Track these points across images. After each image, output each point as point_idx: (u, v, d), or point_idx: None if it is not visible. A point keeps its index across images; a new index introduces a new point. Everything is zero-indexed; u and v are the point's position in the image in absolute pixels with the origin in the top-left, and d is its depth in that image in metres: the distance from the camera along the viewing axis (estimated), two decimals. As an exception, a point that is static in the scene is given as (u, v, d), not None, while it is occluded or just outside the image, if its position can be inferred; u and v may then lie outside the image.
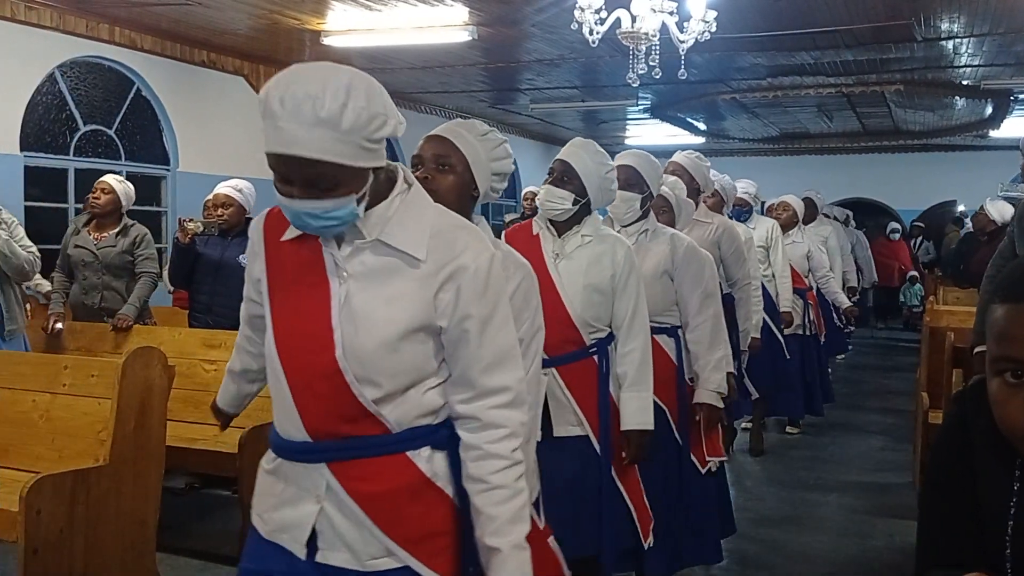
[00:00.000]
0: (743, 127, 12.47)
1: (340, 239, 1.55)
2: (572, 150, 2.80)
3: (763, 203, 7.12)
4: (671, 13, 4.86)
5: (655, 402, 3.06)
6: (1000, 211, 7.16)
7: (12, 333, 4.56)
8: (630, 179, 3.17)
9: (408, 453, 1.58)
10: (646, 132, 12.57)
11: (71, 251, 4.95)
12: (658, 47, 4.95)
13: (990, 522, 1.10)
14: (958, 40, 7.12)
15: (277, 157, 1.44)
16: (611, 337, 2.81)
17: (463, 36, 6.70)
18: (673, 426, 3.24)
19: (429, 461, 1.59)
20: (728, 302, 4.12)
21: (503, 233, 2.94)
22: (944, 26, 6.70)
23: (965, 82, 8.78)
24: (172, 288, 5.65)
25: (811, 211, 7.16)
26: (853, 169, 14.48)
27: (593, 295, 2.74)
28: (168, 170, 7.78)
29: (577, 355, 2.77)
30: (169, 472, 3.65)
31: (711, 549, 3.48)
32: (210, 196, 4.99)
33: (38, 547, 2.94)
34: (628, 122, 12.23)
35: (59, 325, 4.86)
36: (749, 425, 5.97)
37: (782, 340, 5.67)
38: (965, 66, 8.08)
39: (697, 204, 4.10)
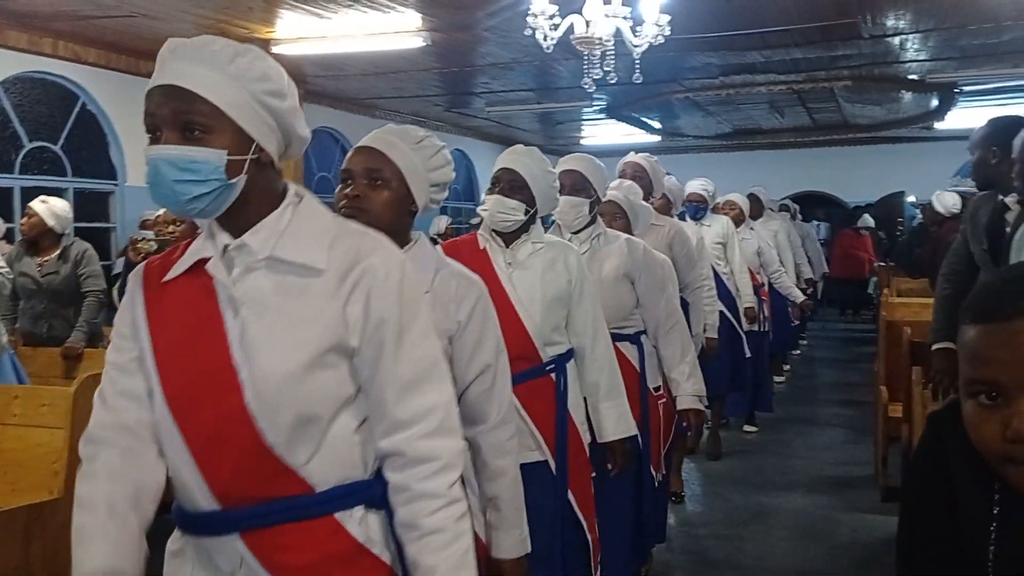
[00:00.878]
0: (697, 125, 12.57)
1: (230, 265, 1.34)
2: (516, 158, 2.63)
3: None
4: (624, 18, 4.86)
5: None
6: (944, 204, 7.30)
7: None
8: (577, 184, 3.06)
9: (337, 515, 1.34)
10: (601, 132, 12.62)
11: (16, 277, 4.81)
12: (612, 51, 4.95)
13: (971, 546, 1.09)
14: (903, 36, 7.24)
15: (152, 97, 1.29)
16: (570, 354, 2.67)
17: (416, 42, 6.65)
18: (639, 437, 3.10)
19: (362, 524, 1.36)
20: (683, 306, 4.04)
21: (440, 247, 2.79)
22: (890, 23, 6.80)
23: (911, 76, 8.94)
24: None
25: (757, 207, 7.20)
26: (805, 163, 14.68)
27: (552, 304, 2.59)
28: (116, 185, 7.62)
29: (534, 373, 2.58)
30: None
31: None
32: (160, 212, 4.90)
33: (-6, 586, 2.86)
34: (583, 123, 12.27)
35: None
36: (708, 425, 5.96)
37: (744, 338, 5.65)
38: (911, 61, 8.22)
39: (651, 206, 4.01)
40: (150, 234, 4.90)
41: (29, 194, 6.74)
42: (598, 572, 2.77)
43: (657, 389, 3.30)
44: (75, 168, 7.33)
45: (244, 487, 1.31)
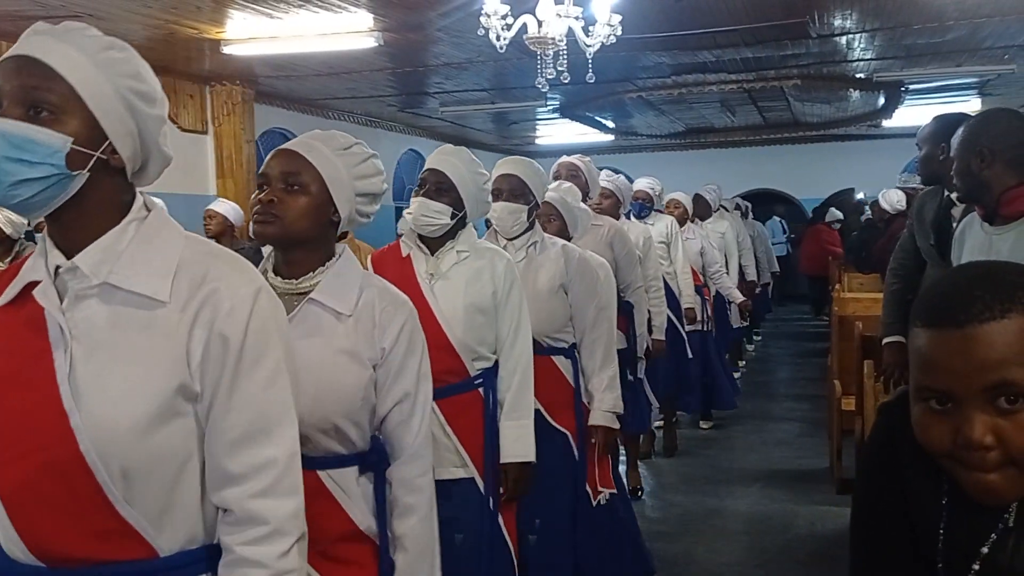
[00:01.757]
0: (650, 124, 12.65)
1: (62, 291, 1.17)
2: (443, 158, 2.50)
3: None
4: (577, 18, 4.87)
5: (556, 428, 2.96)
6: (890, 201, 7.47)
7: None
8: (515, 189, 2.94)
9: None
10: (556, 131, 12.64)
11: None
12: (565, 51, 4.96)
13: (921, 537, 1.11)
14: (851, 36, 7.35)
15: (3, 68, 1.17)
16: (498, 367, 2.56)
17: (369, 42, 6.59)
18: (576, 454, 3.04)
19: None
20: (626, 308, 4.02)
21: (369, 259, 2.63)
22: (837, 23, 6.91)
23: (858, 75, 9.09)
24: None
25: (703, 207, 7.24)
26: (756, 161, 14.85)
27: (475, 316, 2.46)
28: (65, 188, 7.46)
29: (460, 387, 2.47)
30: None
31: None
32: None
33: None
34: (538, 122, 12.28)
35: None
36: (661, 423, 5.95)
37: (686, 338, 5.64)
38: (858, 60, 8.36)
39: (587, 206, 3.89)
40: None
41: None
42: None
43: (591, 402, 3.16)
44: (20, 172, 7.16)
45: (69, 547, 1.13)
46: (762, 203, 13.98)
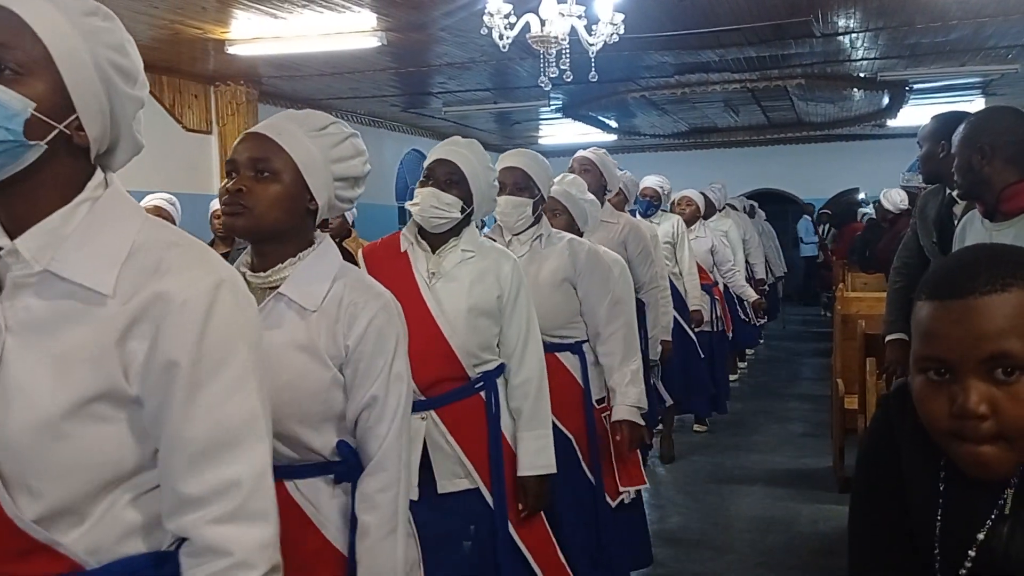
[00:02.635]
0: (653, 123, 12.66)
1: (2, 274, 1.03)
2: (455, 149, 2.33)
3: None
4: (579, 17, 4.89)
5: (561, 431, 2.77)
6: (893, 201, 7.46)
7: None
8: (519, 183, 2.82)
9: None
10: (559, 131, 12.66)
11: None
12: (568, 50, 4.98)
13: (919, 524, 1.12)
14: (854, 35, 7.36)
15: None
16: (500, 368, 2.38)
17: (372, 42, 6.62)
18: (581, 458, 2.89)
19: None
20: (638, 306, 3.88)
21: (360, 252, 2.47)
22: (841, 22, 6.91)
23: (862, 74, 9.09)
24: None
25: (708, 206, 7.20)
26: (760, 161, 14.85)
27: (479, 320, 2.29)
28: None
29: (461, 393, 2.30)
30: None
31: None
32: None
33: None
34: (541, 122, 12.29)
35: None
36: (659, 428, 5.79)
37: (695, 339, 5.54)
38: (862, 59, 8.36)
39: (603, 203, 3.87)
40: None
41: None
42: None
43: (601, 401, 3.05)
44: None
45: None
46: (766, 203, 13.95)
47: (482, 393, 2.34)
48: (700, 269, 5.89)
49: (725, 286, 6.72)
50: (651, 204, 5.43)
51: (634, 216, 4.82)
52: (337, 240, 4.83)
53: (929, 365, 1.05)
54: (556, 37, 4.80)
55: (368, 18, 6.26)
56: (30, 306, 1.02)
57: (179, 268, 1.04)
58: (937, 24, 6.83)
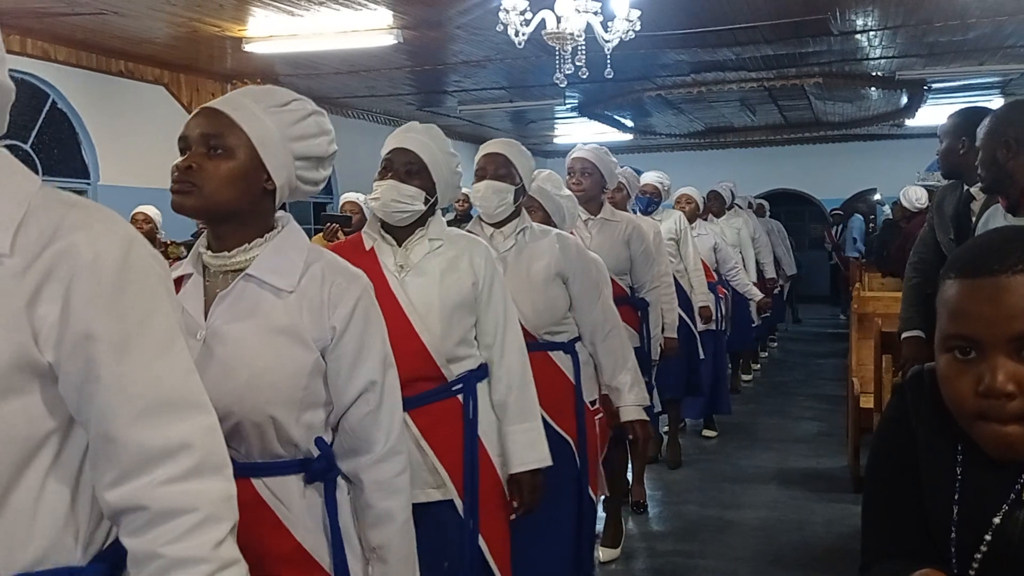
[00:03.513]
0: (669, 123, 12.64)
1: None
2: (412, 136, 2.18)
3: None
4: (595, 13, 4.89)
5: (557, 432, 2.68)
6: (910, 198, 7.41)
7: None
8: (500, 168, 2.66)
9: None
10: (574, 130, 12.65)
11: None
12: (584, 47, 4.98)
13: (935, 510, 1.11)
14: (872, 33, 7.32)
15: None
16: (482, 370, 2.25)
17: (388, 40, 6.64)
18: (576, 458, 2.79)
19: None
20: (640, 306, 3.84)
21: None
22: (859, 20, 6.89)
23: (880, 73, 9.05)
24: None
25: (719, 204, 7.14)
26: (777, 161, 14.80)
27: (454, 312, 2.16)
28: (89, 184, 7.55)
29: (436, 394, 2.15)
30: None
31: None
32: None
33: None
34: (556, 121, 12.30)
35: None
36: (666, 430, 5.65)
37: (699, 338, 5.39)
38: (880, 58, 8.32)
39: (603, 201, 3.79)
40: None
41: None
42: None
43: (593, 403, 2.93)
44: (46, 167, 7.25)
45: None
46: (782, 204, 13.92)
47: (460, 396, 2.19)
48: (704, 267, 5.76)
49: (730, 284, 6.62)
50: (651, 201, 5.29)
51: (634, 213, 4.73)
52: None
53: (955, 344, 1.04)
54: (572, 34, 4.81)
55: (384, 16, 6.29)
56: None
57: (84, 224, 0.96)
58: (956, 23, 6.79)
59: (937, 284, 1.09)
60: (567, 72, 4.98)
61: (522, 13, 4.78)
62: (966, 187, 3.22)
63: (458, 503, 2.16)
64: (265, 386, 1.47)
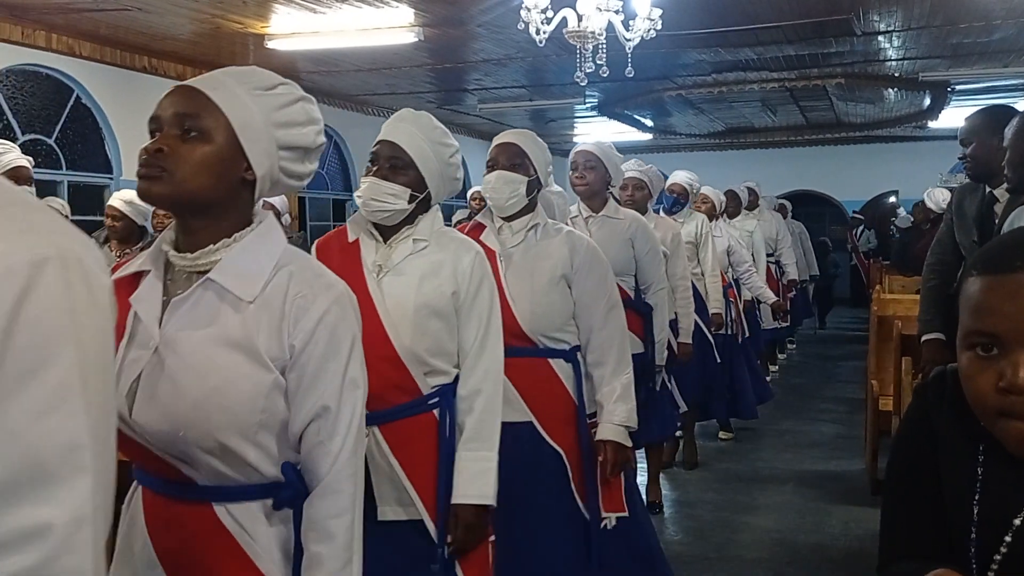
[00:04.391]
0: (689, 123, 12.60)
1: None
2: (398, 126, 2.04)
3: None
4: (617, 12, 4.89)
5: (551, 446, 2.56)
6: (935, 200, 7.36)
7: None
8: (513, 158, 2.54)
9: None
10: (594, 130, 12.63)
11: None
12: (604, 46, 4.98)
13: (955, 510, 1.11)
14: (895, 34, 7.27)
15: None
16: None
17: (409, 37, 6.66)
18: (571, 477, 2.59)
19: None
20: (644, 310, 3.66)
21: (315, 245, 2.18)
22: (882, 21, 6.84)
23: (903, 75, 8.98)
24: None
25: (735, 204, 7.10)
26: (797, 162, 14.73)
27: (429, 320, 2.00)
28: (112, 178, 7.62)
29: (409, 408, 2.00)
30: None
31: None
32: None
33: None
34: (576, 120, 12.29)
35: None
36: (681, 433, 5.53)
37: (713, 342, 5.34)
38: (903, 59, 8.27)
39: (607, 197, 3.66)
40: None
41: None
42: None
43: (592, 415, 2.68)
44: (70, 161, 7.33)
45: None
46: (803, 205, 13.84)
47: (436, 411, 2.02)
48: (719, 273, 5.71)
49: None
50: (677, 201, 5.24)
51: (658, 213, 4.68)
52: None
53: (977, 340, 1.04)
54: (593, 32, 4.81)
55: (406, 14, 6.31)
56: None
57: None
58: (980, 24, 6.73)
59: (955, 285, 1.09)
60: (588, 71, 4.98)
61: (543, 11, 4.79)
62: (988, 189, 3.20)
63: (429, 524, 1.99)
64: (215, 409, 1.30)
